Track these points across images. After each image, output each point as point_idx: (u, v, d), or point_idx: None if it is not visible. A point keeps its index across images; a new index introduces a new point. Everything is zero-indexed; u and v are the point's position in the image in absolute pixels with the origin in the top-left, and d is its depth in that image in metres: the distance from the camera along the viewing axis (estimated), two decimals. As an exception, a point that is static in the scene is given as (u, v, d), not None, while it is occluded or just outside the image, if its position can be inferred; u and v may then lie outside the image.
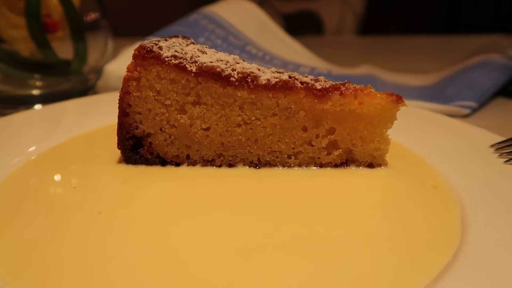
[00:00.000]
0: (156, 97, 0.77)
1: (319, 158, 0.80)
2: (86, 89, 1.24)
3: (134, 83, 0.76)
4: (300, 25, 2.58)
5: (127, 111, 0.78)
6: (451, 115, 1.14)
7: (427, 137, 0.89)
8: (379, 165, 0.80)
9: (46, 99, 1.15)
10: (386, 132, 0.78)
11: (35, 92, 1.16)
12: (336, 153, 0.79)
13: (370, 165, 0.80)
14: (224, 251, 0.58)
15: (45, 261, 0.55)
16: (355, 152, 0.79)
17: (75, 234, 0.61)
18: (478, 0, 2.78)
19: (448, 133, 0.90)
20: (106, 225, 0.63)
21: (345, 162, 0.81)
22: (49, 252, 0.57)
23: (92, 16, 1.22)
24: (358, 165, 0.80)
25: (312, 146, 0.79)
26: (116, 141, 0.81)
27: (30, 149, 0.85)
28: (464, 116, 1.17)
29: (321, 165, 0.80)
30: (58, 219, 0.64)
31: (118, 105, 0.78)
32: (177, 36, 0.85)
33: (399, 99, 0.75)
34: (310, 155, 0.80)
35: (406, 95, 1.28)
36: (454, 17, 2.82)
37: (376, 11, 2.72)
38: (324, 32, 2.63)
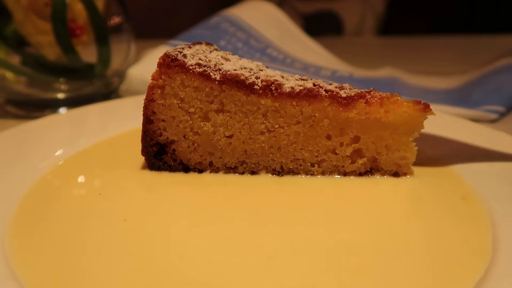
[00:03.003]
0: (180, 105, 0.77)
1: (343, 166, 0.79)
2: (109, 92, 1.26)
3: (159, 91, 0.76)
4: (320, 25, 2.55)
5: (151, 118, 0.79)
6: (478, 120, 1.11)
7: (454, 145, 0.87)
8: (405, 174, 0.79)
9: (70, 103, 1.17)
10: (412, 140, 0.76)
11: (60, 95, 1.18)
12: (360, 161, 0.78)
13: (395, 174, 0.79)
14: (249, 261, 0.57)
15: (71, 267, 0.57)
16: (380, 160, 0.78)
17: (101, 242, 0.62)
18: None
19: (476, 140, 0.87)
20: (131, 233, 0.63)
21: (370, 170, 0.79)
22: (75, 259, 0.58)
23: (116, 20, 1.24)
24: (383, 174, 0.79)
25: (336, 154, 0.78)
26: (140, 147, 0.82)
27: (57, 153, 0.87)
28: (492, 121, 1.14)
29: (345, 174, 0.79)
30: (84, 226, 0.65)
31: (142, 112, 0.79)
32: (200, 43, 0.85)
33: (426, 108, 0.73)
34: (334, 163, 0.79)
35: (430, 99, 1.26)
36: (475, 15, 2.75)
37: (396, 11, 2.67)
38: (344, 32, 2.60)
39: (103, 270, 0.56)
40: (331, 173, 0.80)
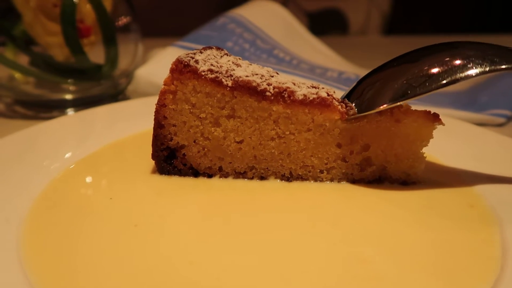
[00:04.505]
0: (191, 110, 0.77)
1: (352, 174, 0.79)
2: (117, 93, 1.26)
3: (171, 96, 0.77)
4: (325, 23, 2.54)
5: (163, 123, 0.79)
6: (485, 124, 1.12)
7: (463, 152, 0.88)
8: (413, 182, 0.79)
9: (78, 103, 1.18)
10: (421, 150, 0.77)
11: (68, 96, 1.19)
12: (369, 169, 0.79)
13: (404, 183, 0.79)
14: (258, 266, 0.58)
15: (83, 272, 0.57)
16: (389, 169, 0.79)
17: (112, 247, 0.62)
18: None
19: (485, 147, 0.88)
20: (142, 239, 0.64)
21: (378, 178, 0.80)
22: (87, 264, 0.59)
23: (124, 20, 1.24)
24: (392, 182, 0.80)
25: (346, 162, 0.79)
26: (149, 151, 0.82)
27: (67, 156, 0.87)
28: (498, 125, 1.14)
29: (354, 181, 0.80)
30: (96, 231, 0.66)
31: (154, 116, 0.79)
32: (211, 47, 0.85)
33: (436, 118, 0.73)
34: (343, 171, 0.79)
35: (437, 102, 1.26)
36: (483, 14, 2.73)
37: (403, 10, 2.66)
38: (349, 31, 2.59)
39: (114, 276, 0.56)
40: (339, 180, 0.80)
